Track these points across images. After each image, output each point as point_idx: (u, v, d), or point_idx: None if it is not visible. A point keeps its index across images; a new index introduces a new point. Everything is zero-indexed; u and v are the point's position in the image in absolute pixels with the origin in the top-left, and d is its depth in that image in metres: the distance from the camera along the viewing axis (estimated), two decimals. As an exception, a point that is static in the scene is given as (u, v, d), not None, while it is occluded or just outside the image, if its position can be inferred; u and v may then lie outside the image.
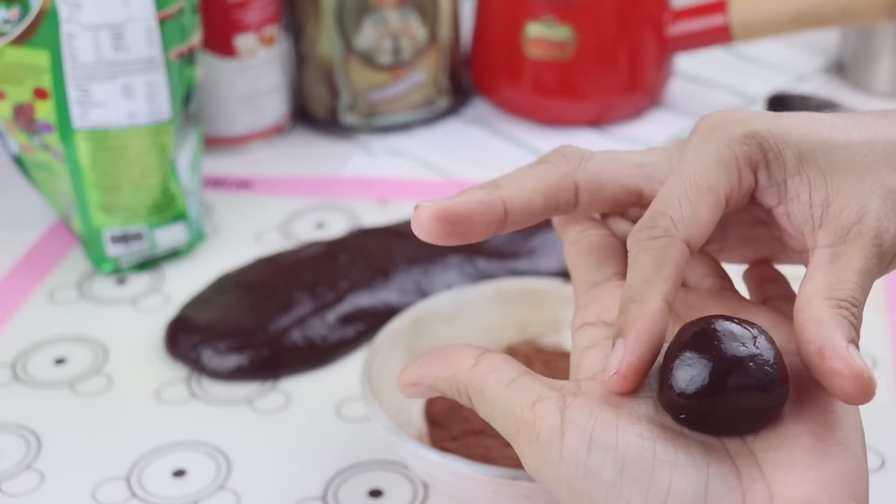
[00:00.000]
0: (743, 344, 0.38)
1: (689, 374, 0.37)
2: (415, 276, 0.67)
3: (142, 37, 0.65)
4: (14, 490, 0.56)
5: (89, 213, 0.69)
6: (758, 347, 0.38)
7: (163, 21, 0.66)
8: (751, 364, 0.37)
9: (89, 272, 0.72)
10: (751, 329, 0.38)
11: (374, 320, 0.65)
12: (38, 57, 0.65)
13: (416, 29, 0.85)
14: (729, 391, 0.37)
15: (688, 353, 0.38)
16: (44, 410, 0.61)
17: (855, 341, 0.38)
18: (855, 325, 0.38)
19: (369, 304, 0.66)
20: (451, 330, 0.59)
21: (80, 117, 0.66)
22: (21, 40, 0.65)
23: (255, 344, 0.63)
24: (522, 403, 0.40)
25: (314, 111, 0.88)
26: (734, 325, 0.38)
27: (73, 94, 0.66)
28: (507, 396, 0.40)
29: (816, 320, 0.38)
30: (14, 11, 0.64)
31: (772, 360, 0.37)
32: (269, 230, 0.76)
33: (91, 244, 0.71)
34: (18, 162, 0.72)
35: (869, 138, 0.42)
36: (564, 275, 0.69)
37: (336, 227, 0.76)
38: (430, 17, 0.85)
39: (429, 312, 0.59)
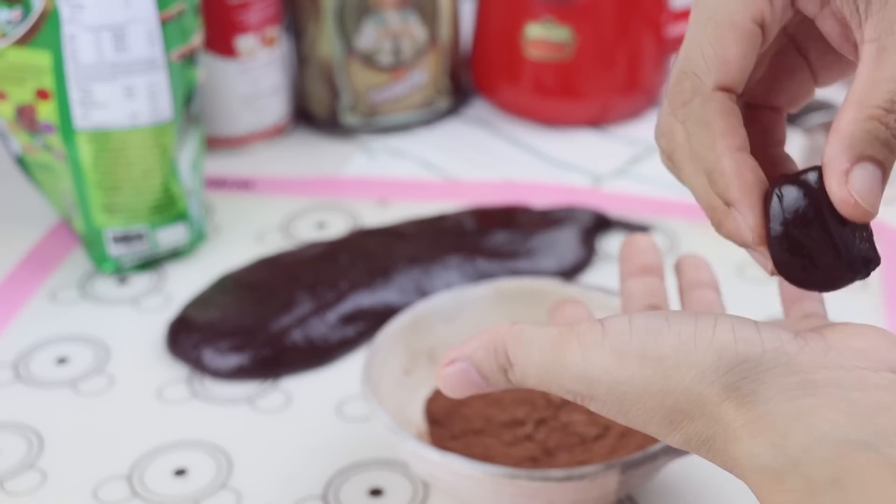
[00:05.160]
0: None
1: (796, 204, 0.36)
2: (415, 276, 0.67)
3: (143, 38, 0.65)
4: (16, 489, 0.56)
5: (91, 213, 0.69)
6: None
7: (164, 22, 0.66)
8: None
9: (91, 272, 0.72)
10: None
11: (375, 320, 0.65)
12: (39, 58, 0.65)
13: (417, 29, 0.85)
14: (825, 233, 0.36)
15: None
16: (46, 410, 0.61)
17: (874, 158, 0.35)
18: (884, 134, 0.35)
19: (369, 304, 0.66)
20: (451, 330, 0.59)
21: (82, 118, 0.66)
22: (23, 41, 0.65)
23: (255, 343, 0.63)
24: (560, 327, 0.40)
25: (315, 112, 0.88)
26: None
27: (74, 94, 0.66)
28: (545, 330, 0.40)
29: (835, 132, 0.36)
30: (16, 12, 0.64)
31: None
32: (269, 230, 0.76)
33: (92, 244, 0.71)
34: (20, 162, 0.72)
35: None
36: (564, 275, 0.69)
37: (336, 228, 0.76)
38: (430, 17, 0.85)
39: (429, 312, 0.59)
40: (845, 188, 0.35)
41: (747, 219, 0.37)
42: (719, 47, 0.37)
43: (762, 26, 0.38)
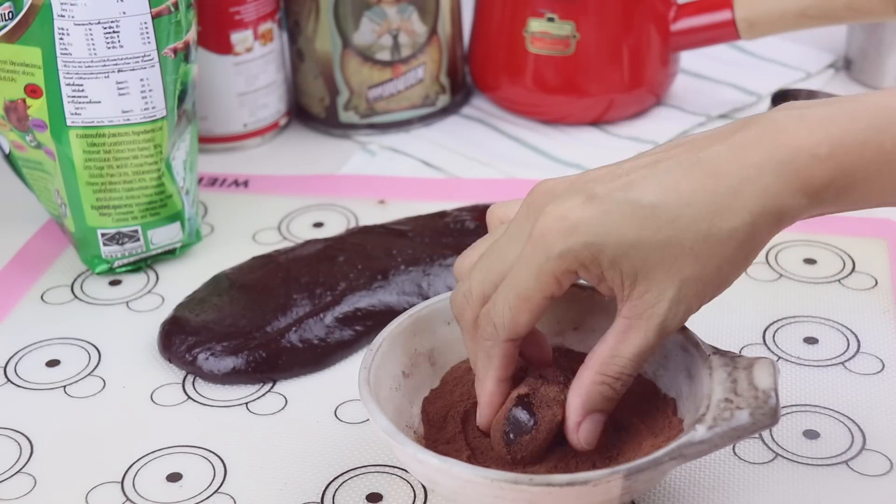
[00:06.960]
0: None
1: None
2: (415, 276, 0.67)
3: (136, 33, 0.64)
4: (6, 494, 0.56)
5: (82, 212, 0.68)
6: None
7: (157, 17, 0.65)
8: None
9: (82, 272, 0.71)
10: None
11: (374, 321, 0.64)
12: (30, 54, 0.64)
13: (416, 25, 0.84)
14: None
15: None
16: (36, 413, 0.61)
17: (600, 410, 0.50)
18: (611, 395, 0.49)
19: (368, 305, 0.65)
20: (452, 331, 0.58)
21: (73, 115, 0.65)
22: (12, 37, 0.64)
23: (251, 345, 0.62)
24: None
25: (312, 109, 0.88)
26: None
27: (66, 91, 0.65)
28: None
29: (577, 387, 0.50)
30: (6, 7, 0.64)
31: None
32: (265, 230, 0.75)
33: (84, 244, 0.70)
34: (9, 160, 0.71)
35: (680, 230, 0.47)
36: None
37: (334, 227, 0.75)
38: (430, 12, 0.84)
39: (429, 314, 0.58)
40: (575, 436, 0.50)
41: (480, 416, 0.53)
42: (515, 313, 0.49)
43: (551, 298, 0.49)
